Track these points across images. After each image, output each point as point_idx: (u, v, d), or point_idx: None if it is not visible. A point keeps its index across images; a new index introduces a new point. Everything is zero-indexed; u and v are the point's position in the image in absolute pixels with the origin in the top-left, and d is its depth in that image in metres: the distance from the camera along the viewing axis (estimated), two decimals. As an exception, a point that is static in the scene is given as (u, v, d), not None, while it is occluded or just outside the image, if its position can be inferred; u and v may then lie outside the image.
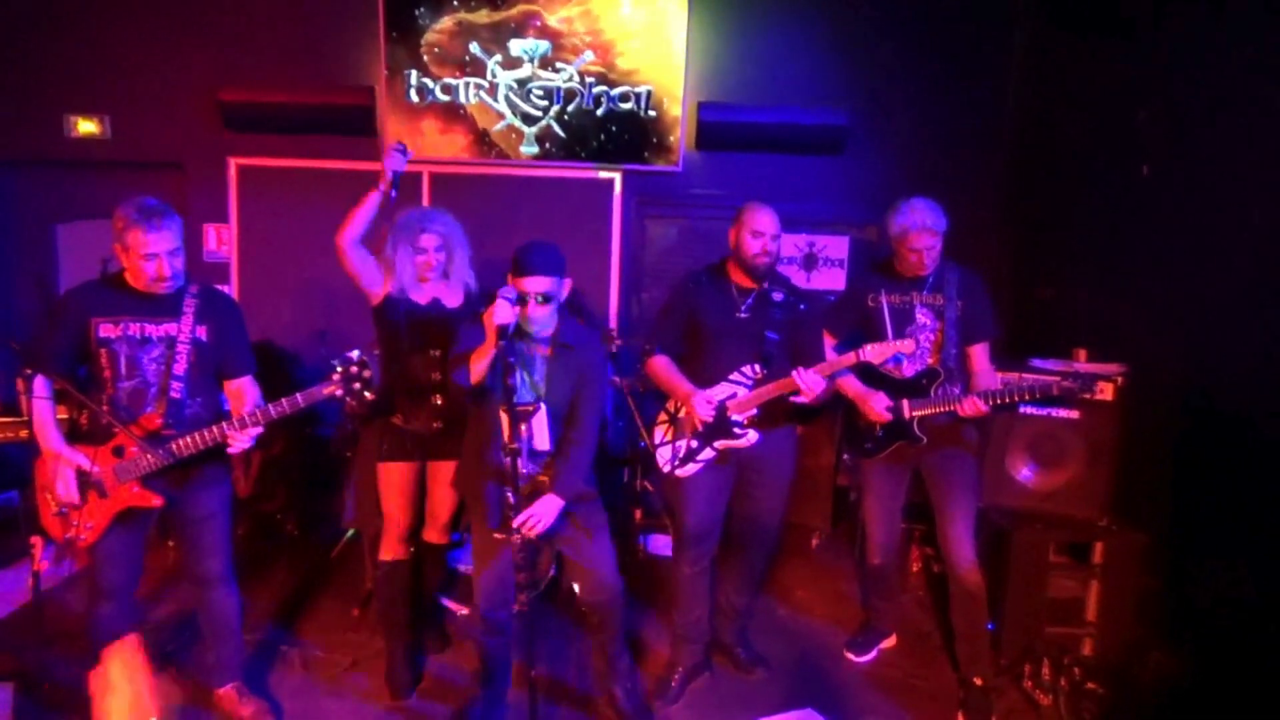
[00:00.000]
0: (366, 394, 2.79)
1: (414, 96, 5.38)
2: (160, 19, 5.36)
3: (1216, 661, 3.37)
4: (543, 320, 2.92)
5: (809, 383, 3.15)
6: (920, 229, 3.31)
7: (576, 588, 3.21)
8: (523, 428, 2.72)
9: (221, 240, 5.54)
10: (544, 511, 2.90)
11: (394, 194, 3.28)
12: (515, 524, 2.75)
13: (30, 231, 5.65)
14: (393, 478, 3.41)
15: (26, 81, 5.40)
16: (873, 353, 3.20)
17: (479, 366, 2.81)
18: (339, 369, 2.77)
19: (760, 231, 3.28)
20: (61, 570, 4.11)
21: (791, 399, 3.31)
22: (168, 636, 3.74)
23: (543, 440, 2.91)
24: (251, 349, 3.08)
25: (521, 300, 2.83)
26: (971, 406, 3.23)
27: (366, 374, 2.78)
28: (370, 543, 4.07)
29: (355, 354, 2.81)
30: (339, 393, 2.77)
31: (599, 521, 3.14)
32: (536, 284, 2.83)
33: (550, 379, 2.96)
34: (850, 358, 3.24)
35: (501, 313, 2.76)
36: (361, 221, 3.27)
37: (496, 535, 2.89)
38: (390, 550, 3.48)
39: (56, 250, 5.69)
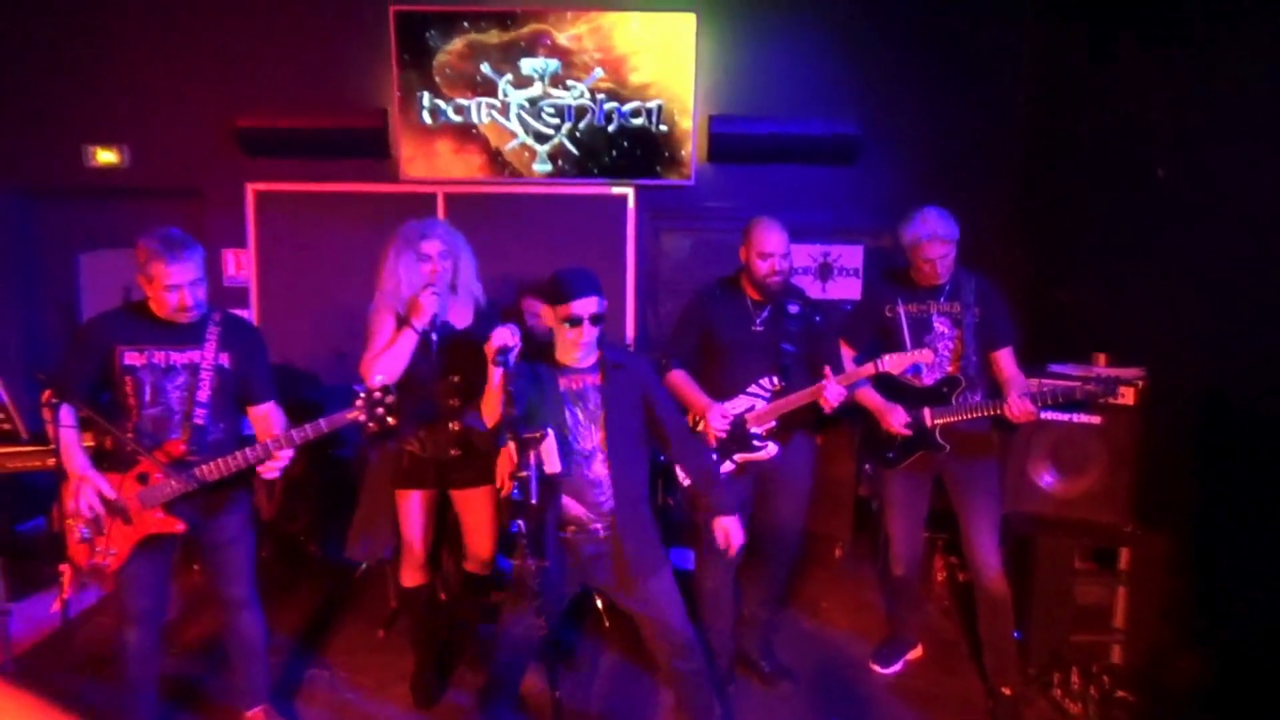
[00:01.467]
0: (389, 419, 2.79)
1: (427, 118, 5.43)
2: (176, 49, 5.44)
3: (1248, 666, 3.32)
4: (591, 345, 2.79)
5: (832, 394, 3.16)
6: (932, 238, 3.32)
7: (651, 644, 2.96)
8: (530, 455, 2.66)
9: (240, 265, 5.60)
10: (730, 532, 2.93)
11: (434, 337, 3.22)
12: (722, 547, 2.90)
13: (53, 260, 5.73)
14: (410, 506, 3.39)
15: (46, 113, 5.48)
16: (891, 363, 3.21)
17: (490, 404, 2.74)
18: (362, 395, 2.78)
19: (768, 253, 3.28)
20: (87, 596, 4.17)
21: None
22: (195, 660, 3.77)
23: (553, 464, 2.75)
24: (273, 375, 3.10)
25: (575, 323, 2.71)
26: (1019, 409, 3.20)
27: (390, 400, 2.79)
28: (394, 563, 4.11)
29: (379, 379, 2.83)
30: (362, 418, 2.79)
31: (658, 567, 2.87)
32: (588, 305, 2.71)
33: (608, 403, 2.80)
34: (869, 369, 3.24)
35: (499, 335, 2.66)
36: (396, 368, 3.14)
37: (517, 563, 2.75)
38: (410, 577, 3.50)
39: (79, 279, 5.78)
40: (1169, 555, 3.64)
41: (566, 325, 2.72)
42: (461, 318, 3.40)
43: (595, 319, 2.73)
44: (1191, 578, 3.65)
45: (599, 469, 2.80)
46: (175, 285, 2.76)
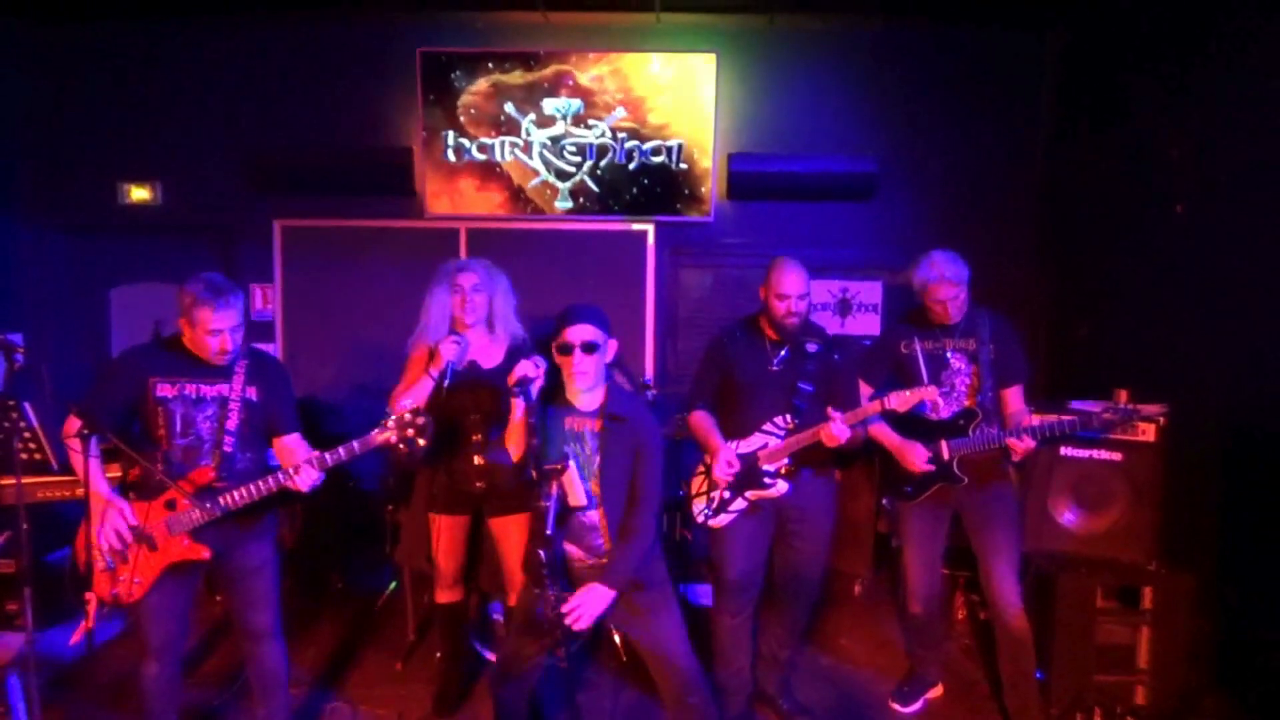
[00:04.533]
0: (420, 441, 2.83)
1: (451, 156, 5.53)
2: (208, 89, 5.60)
3: (1275, 709, 3.27)
4: (588, 375, 2.76)
5: (834, 432, 3.15)
6: (939, 281, 3.38)
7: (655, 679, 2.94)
8: (552, 485, 2.68)
9: (267, 299, 5.70)
10: (589, 602, 2.68)
11: (446, 384, 3.29)
12: (566, 615, 2.63)
13: (85, 294, 5.86)
14: (442, 530, 3.54)
15: (82, 152, 5.65)
16: (897, 401, 3.19)
17: (514, 436, 2.77)
18: (393, 416, 2.83)
19: (785, 294, 3.30)
20: (111, 627, 4.20)
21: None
22: (216, 691, 3.79)
23: (577, 497, 2.76)
24: (297, 409, 3.15)
25: (566, 350, 2.74)
26: (1020, 445, 3.26)
27: (420, 421, 2.82)
28: (413, 587, 4.28)
29: (408, 401, 2.88)
30: (393, 439, 2.82)
31: (663, 603, 2.88)
32: (580, 332, 2.74)
33: (604, 453, 2.78)
34: (875, 406, 3.24)
35: (521, 368, 2.73)
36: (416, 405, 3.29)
37: (537, 592, 2.73)
38: (441, 595, 3.71)
39: (110, 312, 5.90)
40: (1193, 594, 3.58)
41: (559, 353, 2.77)
42: (491, 357, 3.50)
43: (587, 346, 2.75)
44: (1216, 618, 3.61)
45: (593, 514, 2.80)
46: (218, 330, 2.82)
